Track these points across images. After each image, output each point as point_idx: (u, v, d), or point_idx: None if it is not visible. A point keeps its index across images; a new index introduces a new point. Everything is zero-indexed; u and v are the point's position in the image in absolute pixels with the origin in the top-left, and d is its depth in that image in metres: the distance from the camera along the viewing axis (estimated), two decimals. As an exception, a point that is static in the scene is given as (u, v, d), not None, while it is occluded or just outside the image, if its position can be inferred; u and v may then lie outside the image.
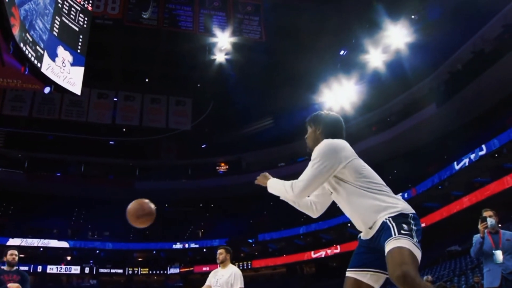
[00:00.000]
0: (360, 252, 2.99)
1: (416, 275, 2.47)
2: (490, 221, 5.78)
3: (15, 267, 6.29)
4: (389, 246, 2.58)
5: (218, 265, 6.47)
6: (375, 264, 2.87)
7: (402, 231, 2.63)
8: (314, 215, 3.46)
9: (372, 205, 2.83)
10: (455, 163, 24.68)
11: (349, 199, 2.94)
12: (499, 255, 5.62)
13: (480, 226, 5.79)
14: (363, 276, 2.90)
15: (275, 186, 3.47)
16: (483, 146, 23.48)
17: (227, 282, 6.09)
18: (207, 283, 6.42)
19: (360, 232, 3.03)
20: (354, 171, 2.93)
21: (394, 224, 2.66)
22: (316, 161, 2.96)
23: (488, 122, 25.39)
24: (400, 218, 2.73)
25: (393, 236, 2.60)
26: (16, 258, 6.33)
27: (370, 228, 2.83)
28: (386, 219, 2.74)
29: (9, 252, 6.27)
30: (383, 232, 2.69)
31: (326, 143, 3.00)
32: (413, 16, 24.97)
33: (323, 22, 25.12)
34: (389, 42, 26.15)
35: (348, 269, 3.00)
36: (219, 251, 6.52)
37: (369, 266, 2.90)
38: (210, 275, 6.50)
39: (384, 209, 2.79)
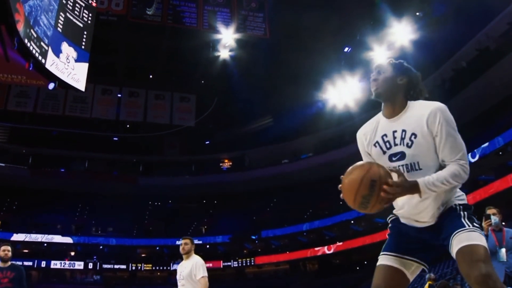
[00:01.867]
0: (402, 236, 2.59)
1: (498, 277, 2.24)
2: (494, 219, 5.78)
3: (9, 263, 6.09)
4: (463, 238, 2.29)
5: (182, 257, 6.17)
6: (419, 254, 2.55)
7: (475, 224, 2.38)
8: None
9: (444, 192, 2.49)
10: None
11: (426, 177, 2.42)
12: (503, 253, 5.62)
13: (484, 224, 5.79)
14: (407, 265, 2.53)
15: (436, 186, 2.37)
16: (488, 143, 23.43)
17: (190, 274, 5.87)
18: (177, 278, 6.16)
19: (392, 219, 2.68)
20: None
21: (465, 213, 2.41)
22: (455, 128, 2.55)
23: (493, 120, 25.31)
24: (468, 209, 2.47)
25: (467, 227, 2.33)
26: (9, 253, 6.15)
27: (439, 213, 2.46)
28: (456, 205, 2.47)
29: (2, 248, 6.08)
30: (450, 219, 2.40)
31: (447, 109, 2.55)
32: (417, 13, 24.92)
33: (328, 19, 25.06)
34: (394, 39, 26.09)
35: (386, 253, 2.58)
36: (184, 241, 6.19)
37: (412, 254, 2.54)
38: (177, 268, 6.25)
39: (453, 192, 2.51)
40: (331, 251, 34.50)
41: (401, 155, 2.48)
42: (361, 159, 2.64)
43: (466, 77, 26.45)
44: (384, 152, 2.53)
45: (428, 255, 2.55)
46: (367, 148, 2.65)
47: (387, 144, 2.54)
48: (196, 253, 6.31)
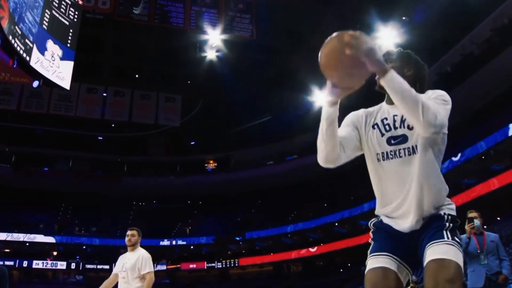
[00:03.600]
0: (389, 238, 2.36)
1: None
2: (476, 222, 5.85)
3: None
4: (437, 251, 2.14)
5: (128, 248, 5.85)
6: (407, 259, 2.32)
7: (456, 238, 2.20)
8: (334, 159, 2.41)
9: (443, 185, 2.36)
10: (443, 165, 24.87)
11: (427, 168, 2.30)
12: (482, 257, 5.72)
13: (467, 227, 5.87)
14: (400, 268, 2.29)
15: (402, 86, 2.13)
16: (470, 148, 23.71)
17: (133, 267, 5.55)
18: (114, 271, 5.82)
19: (376, 218, 2.47)
20: (445, 139, 2.43)
21: (451, 225, 2.24)
22: (446, 102, 2.36)
23: (476, 124, 25.60)
24: (455, 221, 2.29)
25: (445, 239, 2.16)
26: None
27: (426, 219, 2.29)
28: (445, 214, 2.29)
29: None
30: (433, 227, 2.24)
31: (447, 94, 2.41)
32: (404, 18, 25.12)
33: (316, 21, 25.16)
34: (380, 42, 26.25)
35: (376, 254, 2.32)
36: (131, 232, 5.84)
37: (401, 257, 2.31)
38: (118, 261, 5.89)
39: (446, 198, 2.36)
40: (315, 253, 34.63)
41: (403, 138, 2.33)
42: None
43: (450, 81, 26.72)
44: (383, 135, 2.38)
45: (414, 261, 2.33)
46: (363, 129, 2.47)
47: (387, 126, 2.40)
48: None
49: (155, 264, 36.39)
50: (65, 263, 35.49)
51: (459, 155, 24.28)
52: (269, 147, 38.71)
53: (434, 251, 2.13)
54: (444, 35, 25.70)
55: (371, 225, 2.45)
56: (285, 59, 29.19)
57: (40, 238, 35.57)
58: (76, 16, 15.74)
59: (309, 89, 31.13)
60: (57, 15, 14.62)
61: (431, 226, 2.24)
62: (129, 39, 28.74)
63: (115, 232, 37.77)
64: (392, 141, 2.36)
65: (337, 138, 2.38)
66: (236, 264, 36.99)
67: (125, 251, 5.95)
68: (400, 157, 2.31)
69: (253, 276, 38.19)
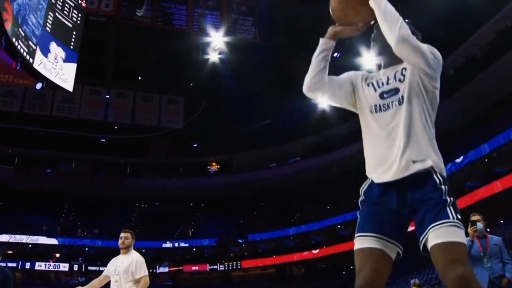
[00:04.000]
0: (377, 211, 2.36)
1: (475, 279, 2.13)
2: (479, 225, 5.84)
3: None
4: (443, 233, 2.14)
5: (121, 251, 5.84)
6: (394, 235, 2.32)
7: (459, 215, 2.20)
8: (315, 89, 2.62)
9: (431, 141, 2.38)
10: (446, 167, 24.80)
11: (413, 116, 2.35)
12: (485, 260, 5.70)
13: (470, 230, 5.85)
14: (388, 246, 2.30)
15: (387, 5, 2.39)
16: (473, 150, 23.66)
17: (127, 270, 5.44)
18: (105, 272, 5.77)
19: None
20: (437, 97, 2.47)
21: (449, 198, 2.22)
22: (434, 52, 2.42)
23: (479, 127, 25.56)
24: (449, 186, 2.29)
25: (451, 219, 2.16)
26: None
27: (413, 162, 2.28)
28: (439, 175, 2.29)
29: None
30: (432, 199, 2.22)
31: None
32: (406, 20, 25.04)
33: (319, 24, 25.16)
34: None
35: (363, 234, 2.34)
36: (125, 235, 5.81)
37: (389, 234, 2.31)
38: (109, 263, 5.84)
39: (437, 156, 2.36)
40: (318, 256, 34.58)
41: (394, 91, 2.43)
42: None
43: (453, 84, 26.69)
44: (376, 90, 2.49)
45: (402, 234, 2.35)
46: (359, 85, 2.58)
47: (380, 83, 2.51)
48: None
49: (157, 266, 36.55)
50: (67, 264, 35.50)
51: (462, 157, 24.23)
52: (272, 149, 38.70)
53: (440, 234, 2.15)
54: (447, 37, 25.66)
55: (361, 192, 2.47)
56: (288, 61, 29.18)
57: (42, 239, 35.60)
58: (79, 19, 15.79)
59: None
60: (60, 18, 14.67)
61: (429, 198, 2.24)
62: (132, 41, 28.76)
63: (118, 234, 37.58)
64: (385, 95, 2.46)
65: (324, 73, 2.59)
66: (239, 267, 36.96)
67: None
68: (391, 108, 2.41)
69: (256, 278, 38.16)
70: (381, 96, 2.46)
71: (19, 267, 33.48)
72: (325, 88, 2.57)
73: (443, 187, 2.26)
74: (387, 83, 2.48)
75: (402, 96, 2.38)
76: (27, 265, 34.02)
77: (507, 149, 22.11)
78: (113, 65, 32.10)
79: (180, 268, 37.23)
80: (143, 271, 5.45)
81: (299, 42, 27.27)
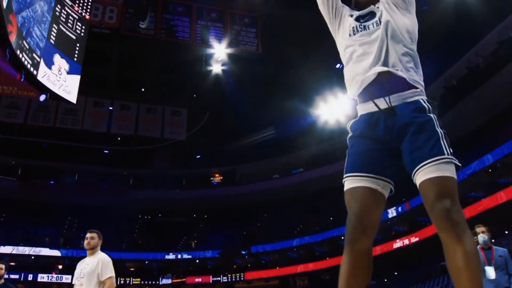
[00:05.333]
0: (365, 147, 2.28)
1: (462, 214, 2.03)
2: (483, 237, 5.80)
3: (2, 280, 6.18)
4: (434, 169, 2.07)
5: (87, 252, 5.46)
6: (385, 171, 2.24)
7: (451, 149, 2.15)
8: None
9: (416, 63, 2.36)
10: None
11: (391, 32, 2.36)
12: (490, 271, 5.63)
13: (471, 241, 5.80)
14: (379, 183, 2.23)
15: None
16: (477, 161, 23.60)
17: (92, 272, 5.14)
18: (74, 280, 5.37)
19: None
20: (414, 22, 2.49)
21: (441, 131, 2.16)
22: None
23: (482, 137, 25.51)
24: (438, 115, 2.24)
25: (446, 155, 2.10)
26: (2, 271, 6.24)
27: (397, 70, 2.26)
28: (427, 101, 2.23)
29: None
30: (425, 131, 2.15)
31: None
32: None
33: (320, 36, 25.26)
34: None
35: (353, 174, 2.26)
36: (91, 235, 5.40)
37: (379, 171, 2.23)
38: (76, 267, 5.48)
39: (421, 81, 2.33)
40: (321, 267, 34.40)
41: (370, 15, 2.47)
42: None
43: (456, 95, 26.71)
44: (352, 15, 2.56)
45: (392, 168, 2.26)
46: (346, 13, 2.63)
47: (357, 11, 2.57)
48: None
49: (160, 278, 36.40)
50: (70, 276, 35.22)
51: (466, 168, 24.16)
52: (275, 160, 38.69)
53: (431, 170, 2.08)
54: (449, 48, 25.72)
55: (348, 127, 2.44)
56: (291, 73, 29.28)
57: (45, 251, 35.51)
58: (83, 31, 15.89)
59: (315, 103, 31.18)
60: (64, 30, 14.76)
61: (418, 125, 2.17)
62: (135, 53, 28.93)
63: (121, 245, 37.67)
64: (361, 20, 2.49)
65: None
66: (242, 278, 36.75)
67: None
68: (368, 29, 2.42)
69: (259, 290, 37.98)
70: (357, 19, 2.51)
71: (22, 279, 33.35)
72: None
73: (432, 115, 2.21)
74: (364, 10, 2.53)
75: (379, 19, 2.41)
76: (30, 277, 33.89)
77: (511, 159, 22.05)
78: (117, 77, 32.27)
79: (183, 280, 37.05)
80: (109, 272, 5.17)
81: (302, 54, 27.38)
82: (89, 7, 16.93)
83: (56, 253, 35.98)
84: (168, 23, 22.03)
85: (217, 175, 42.15)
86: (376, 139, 2.26)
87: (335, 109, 30.71)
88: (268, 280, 37.71)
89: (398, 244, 28.77)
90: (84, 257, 5.54)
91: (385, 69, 2.27)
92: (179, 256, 37.74)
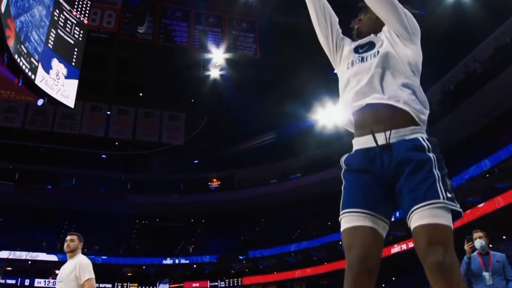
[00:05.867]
0: (362, 182, 2.18)
1: (457, 268, 1.94)
2: (480, 242, 5.79)
3: None
4: (429, 214, 1.96)
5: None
6: (381, 207, 2.14)
7: (449, 194, 2.00)
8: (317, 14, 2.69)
9: (418, 97, 2.23)
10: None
11: (392, 67, 2.28)
12: (487, 277, 5.63)
13: (466, 247, 5.81)
14: (377, 222, 2.13)
15: None
16: (475, 166, 23.62)
17: (70, 275, 5.03)
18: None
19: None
20: (418, 53, 2.39)
21: (439, 173, 2.03)
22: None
23: (480, 142, 25.55)
24: (440, 156, 2.11)
25: (441, 199, 1.97)
26: None
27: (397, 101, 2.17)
28: (426, 140, 2.11)
29: None
30: (422, 172, 2.03)
31: None
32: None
33: (318, 41, 25.30)
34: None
35: (350, 211, 2.15)
36: (70, 237, 5.31)
37: (376, 208, 2.13)
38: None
39: (424, 116, 2.21)
40: (319, 272, 34.33)
41: (369, 45, 2.41)
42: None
43: (454, 100, 26.77)
44: (351, 47, 2.52)
45: (390, 207, 2.18)
46: (347, 44, 2.59)
47: (356, 42, 2.55)
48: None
49: (157, 283, 36.26)
50: (67, 281, 35.24)
51: (463, 173, 24.19)
52: (273, 165, 38.68)
53: (425, 215, 1.97)
54: (447, 53, 25.79)
55: (342, 162, 2.32)
56: (289, 78, 29.32)
57: (42, 256, 35.36)
58: (81, 35, 15.89)
59: (313, 108, 31.21)
60: (63, 34, 14.77)
61: (415, 164, 2.06)
62: (133, 57, 28.95)
63: (118, 250, 37.57)
64: (360, 50, 2.45)
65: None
66: (240, 283, 36.66)
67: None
68: (366, 61, 2.36)
69: (257, 295, 37.88)
70: (356, 50, 2.47)
71: (19, 284, 33.20)
72: (325, 3, 2.68)
73: (431, 155, 2.08)
74: (363, 39, 2.50)
75: (378, 51, 2.34)
76: (27, 282, 33.73)
77: (509, 164, 22.06)
78: (115, 82, 32.29)
79: (181, 285, 36.93)
80: (87, 274, 5.06)
81: (300, 59, 27.43)
82: (87, 11, 16.93)
83: (53, 258, 35.81)
84: (166, 28, 22.09)
85: (215, 180, 42.12)
86: (373, 174, 2.17)
87: (333, 114, 30.73)
88: (266, 285, 37.59)
89: (396, 249, 28.72)
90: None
91: (377, 101, 2.20)
92: (177, 261, 37.64)
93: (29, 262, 35.07)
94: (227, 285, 36.56)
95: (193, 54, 25.29)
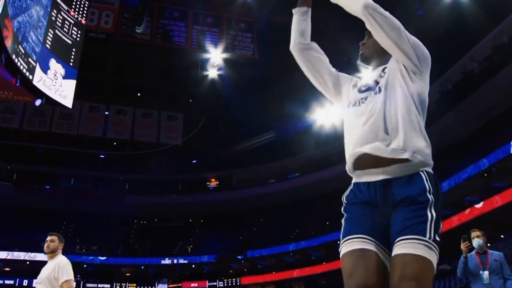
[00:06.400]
0: (364, 213, 2.13)
1: None
2: (478, 241, 5.81)
3: None
4: (411, 246, 1.90)
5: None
6: (383, 240, 2.05)
7: (437, 237, 1.95)
8: (298, 45, 2.73)
9: (417, 130, 2.15)
10: (445, 182, 24.85)
11: (394, 104, 2.20)
12: (486, 275, 5.64)
13: (462, 246, 5.81)
14: (386, 257, 2.02)
15: None
16: (472, 165, 23.64)
17: (49, 276, 4.96)
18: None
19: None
20: (424, 88, 2.28)
21: (432, 213, 1.97)
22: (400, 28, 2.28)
23: (478, 142, 25.57)
24: (440, 200, 2.06)
25: (426, 237, 1.92)
26: None
27: (398, 161, 2.08)
28: (429, 181, 2.06)
29: None
30: (415, 208, 1.99)
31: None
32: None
33: (316, 40, 25.30)
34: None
35: (354, 237, 2.07)
36: (50, 238, 5.26)
37: (385, 242, 2.04)
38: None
39: (429, 159, 2.14)
40: (318, 272, 34.36)
41: (374, 83, 2.34)
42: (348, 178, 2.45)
43: (451, 99, 26.78)
44: (355, 86, 2.48)
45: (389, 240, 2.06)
46: (347, 83, 2.56)
47: (360, 81, 2.50)
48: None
49: (156, 283, 36.21)
50: (65, 282, 35.19)
51: (461, 172, 24.22)
52: (271, 165, 38.67)
53: (407, 246, 1.91)
54: (445, 53, 25.81)
55: (344, 198, 2.27)
56: (287, 77, 29.30)
57: (40, 256, 35.25)
58: (79, 36, 15.89)
59: (311, 108, 31.20)
60: (60, 35, 14.76)
61: (412, 201, 2.01)
62: (131, 58, 28.91)
63: (116, 250, 37.56)
64: (363, 88, 2.40)
65: (306, 33, 2.72)
66: (238, 283, 36.67)
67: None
68: (368, 99, 2.31)
69: (255, 295, 37.89)
70: (360, 90, 2.41)
71: (17, 284, 33.18)
72: (314, 53, 2.66)
73: (430, 197, 2.02)
74: (367, 80, 2.44)
75: (380, 87, 2.29)
76: (25, 283, 33.67)
77: (506, 164, 22.10)
78: (112, 82, 32.24)
79: (179, 285, 36.92)
80: (66, 275, 4.94)
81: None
82: (85, 12, 16.92)
83: (51, 258, 35.79)
84: (164, 28, 22.08)
85: (213, 180, 42.09)
86: (374, 207, 2.13)
87: (331, 113, 30.73)
88: (264, 285, 37.61)
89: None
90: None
91: (380, 154, 2.12)
92: (175, 261, 37.63)
93: (27, 263, 35.04)
94: (225, 285, 36.57)
95: (191, 54, 25.27)
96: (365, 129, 2.20)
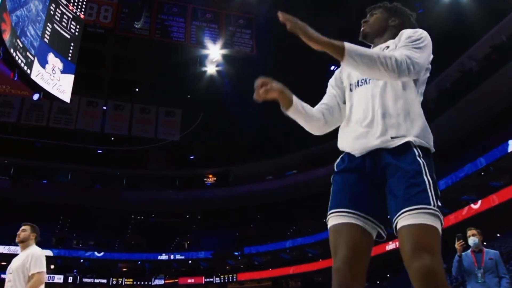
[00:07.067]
0: (351, 182, 2.14)
1: (443, 274, 1.85)
2: (473, 240, 5.81)
3: None
4: (419, 217, 1.88)
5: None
6: (372, 209, 2.07)
7: (439, 202, 1.94)
8: (320, 129, 2.62)
9: (415, 113, 2.15)
10: (442, 181, 24.90)
11: (393, 88, 2.18)
12: (480, 274, 5.66)
13: (456, 245, 5.82)
14: (368, 224, 2.07)
15: (362, 55, 2.06)
16: (470, 164, 23.70)
17: (20, 267, 4.71)
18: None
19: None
20: (423, 84, 2.30)
21: (430, 179, 1.97)
22: (418, 41, 2.21)
23: (475, 140, 25.63)
24: (431, 162, 2.08)
25: (432, 204, 1.91)
26: None
27: (392, 138, 2.07)
28: (418, 147, 2.06)
29: None
30: (409, 166, 1.99)
31: (425, 32, 2.30)
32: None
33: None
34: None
35: (339, 210, 2.12)
36: (23, 227, 5.06)
37: (372, 213, 2.07)
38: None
39: (421, 129, 2.13)
40: (314, 269, 34.42)
41: (366, 79, 2.28)
42: None
43: (449, 98, 26.81)
44: (348, 80, 2.43)
45: (382, 209, 2.06)
46: (340, 76, 2.55)
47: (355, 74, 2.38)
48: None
49: (152, 279, 36.23)
50: (62, 276, 35.16)
51: (458, 171, 24.27)
52: (269, 162, 38.66)
53: (412, 217, 1.90)
54: (443, 52, 25.82)
55: (334, 166, 2.29)
56: (285, 74, 29.28)
57: (37, 251, 35.34)
58: (77, 30, 15.86)
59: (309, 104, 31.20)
60: (59, 29, 14.73)
61: (405, 169, 2.00)
62: (130, 53, 28.87)
63: (113, 246, 37.55)
64: (360, 83, 2.35)
65: (313, 117, 2.57)
66: (235, 279, 36.73)
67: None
68: (368, 83, 2.26)
69: (252, 291, 37.95)
70: (356, 84, 2.37)
71: (13, 279, 33.19)
72: (329, 118, 2.53)
73: (421, 161, 2.02)
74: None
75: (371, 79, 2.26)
76: (22, 277, 33.73)
77: (503, 162, 22.16)
78: (111, 77, 32.19)
79: (176, 280, 36.96)
80: (38, 267, 4.72)
81: (297, 55, 27.38)
82: (84, 6, 16.90)
83: (48, 253, 35.69)
84: (163, 24, 22.04)
85: (210, 176, 42.09)
86: (361, 174, 2.13)
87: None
88: (261, 281, 37.69)
89: (391, 246, 28.80)
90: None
91: (381, 134, 2.10)
92: (172, 257, 37.66)
93: (24, 257, 35.01)
94: (222, 281, 36.63)
95: (190, 50, 25.25)
96: (364, 115, 2.20)
